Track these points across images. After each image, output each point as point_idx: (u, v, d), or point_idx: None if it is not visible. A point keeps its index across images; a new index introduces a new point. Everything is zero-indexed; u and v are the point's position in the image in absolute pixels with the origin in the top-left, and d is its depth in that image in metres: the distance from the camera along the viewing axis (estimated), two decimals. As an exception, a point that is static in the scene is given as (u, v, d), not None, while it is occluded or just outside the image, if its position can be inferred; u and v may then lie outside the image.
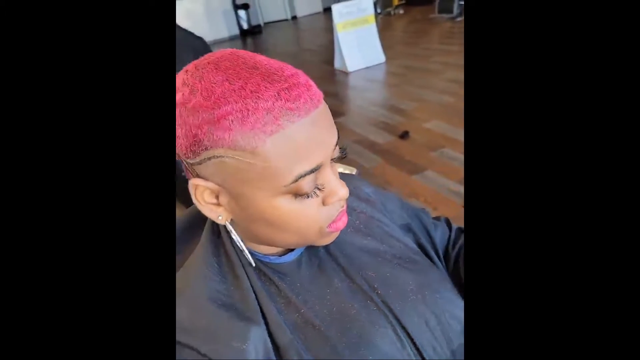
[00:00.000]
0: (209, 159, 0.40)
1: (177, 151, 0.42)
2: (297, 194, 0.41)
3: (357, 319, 0.46)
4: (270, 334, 0.44)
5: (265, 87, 0.38)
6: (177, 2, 8.61)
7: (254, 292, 0.46)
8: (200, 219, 0.55)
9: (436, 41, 5.93)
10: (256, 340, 0.43)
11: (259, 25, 10.15)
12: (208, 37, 3.20)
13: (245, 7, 9.67)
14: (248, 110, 0.37)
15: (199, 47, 3.12)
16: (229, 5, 9.46)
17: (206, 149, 0.39)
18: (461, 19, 6.61)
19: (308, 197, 0.42)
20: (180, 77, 0.41)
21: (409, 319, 0.47)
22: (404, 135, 3.10)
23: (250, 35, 9.71)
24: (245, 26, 9.72)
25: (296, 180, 0.40)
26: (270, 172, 0.39)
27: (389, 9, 8.62)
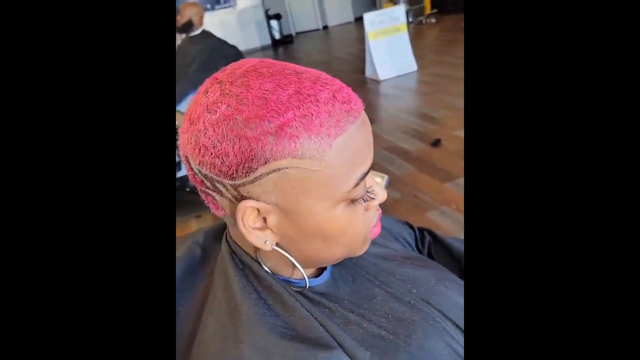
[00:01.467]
0: (268, 173, 0.36)
1: (215, 172, 0.37)
2: (353, 200, 0.40)
3: (414, 320, 0.45)
4: (349, 356, 0.41)
5: (320, 90, 0.36)
6: (211, 13, 8.86)
7: (314, 318, 0.42)
8: (195, 262, 0.50)
9: (469, 49, 5.84)
10: None
11: (290, 35, 10.29)
12: (240, 47, 3.26)
13: (278, 17, 9.84)
14: (311, 114, 0.35)
15: (232, 55, 3.20)
16: (261, 16, 9.64)
17: (266, 162, 0.35)
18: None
19: (359, 203, 0.41)
20: (214, 88, 0.37)
21: (448, 308, 0.48)
22: (436, 143, 3.06)
23: (282, 44, 9.84)
24: (277, 36, 9.88)
25: (357, 185, 0.39)
26: (334, 179, 0.37)
27: (420, 18, 8.58)
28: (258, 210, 0.39)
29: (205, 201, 0.42)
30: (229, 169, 0.36)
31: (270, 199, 0.38)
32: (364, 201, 0.41)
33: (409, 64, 5.06)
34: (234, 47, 3.05)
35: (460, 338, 0.46)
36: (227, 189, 0.38)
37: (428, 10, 8.71)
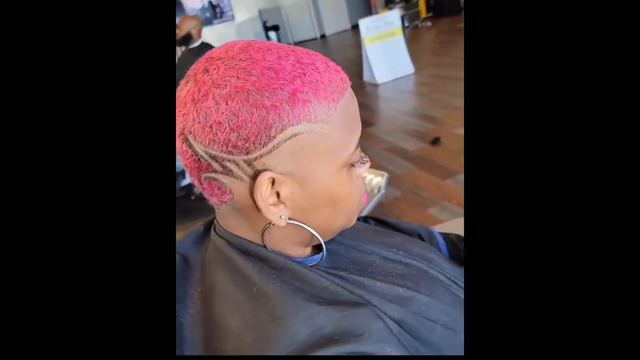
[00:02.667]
0: (285, 141, 0.37)
1: (228, 149, 0.37)
2: (352, 164, 0.42)
3: (414, 274, 0.50)
4: (380, 310, 0.42)
5: (315, 59, 0.38)
6: (209, 28, 9.00)
7: (336, 285, 0.43)
8: (179, 273, 0.47)
9: (465, 50, 5.91)
10: (380, 318, 0.41)
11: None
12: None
13: (276, 28, 9.97)
14: (316, 80, 0.37)
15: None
16: (259, 28, 9.79)
17: (283, 129, 0.36)
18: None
19: (356, 167, 0.43)
20: (215, 65, 0.37)
21: (431, 262, 0.53)
22: (435, 141, 3.10)
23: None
24: (275, 47, 10.02)
25: (356, 148, 0.41)
26: (339, 142, 0.39)
27: (416, 22, 8.66)
28: (272, 183, 0.39)
29: (206, 190, 0.41)
30: (246, 142, 0.36)
31: (285, 168, 0.38)
32: (361, 164, 0.43)
33: (406, 66, 5.12)
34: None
35: (452, 284, 0.51)
36: (239, 167, 0.38)
37: (423, 14, 8.80)
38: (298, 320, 0.37)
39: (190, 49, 2.94)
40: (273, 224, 0.42)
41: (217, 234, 0.46)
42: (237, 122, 0.35)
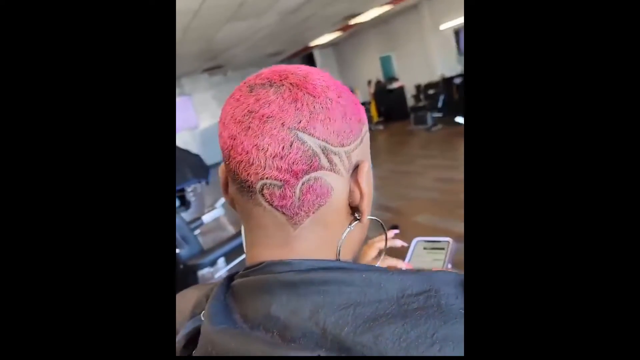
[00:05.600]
0: (365, 133, 0.41)
1: (337, 141, 0.38)
2: None
3: None
4: None
5: None
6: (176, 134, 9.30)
7: None
8: None
9: (416, 148, 6.39)
10: None
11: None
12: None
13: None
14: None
15: (196, 162, 3.38)
16: (222, 134, 10.23)
17: (364, 122, 0.41)
18: (436, 128, 7.19)
19: None
20: (287, 84, 0.38)
21: None
22: (393, 228, 3.20)
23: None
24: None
25: None
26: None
27: (369, 125, 9.36)
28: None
29: (304, 196, 0.38)
30: (350, 133, 0.39)
31: (360, 159, 0.40)
32: None
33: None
34: (196, 155, 3.26)
35: None
36: (341, 160, 0.38)
37: (375, 119, 9.58)
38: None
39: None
40: (353, 227, 0.41)
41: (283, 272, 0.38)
42: (347, 113, 0.38)
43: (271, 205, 0.38)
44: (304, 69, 0.40)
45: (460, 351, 0.30)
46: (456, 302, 0.34)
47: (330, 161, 0.38)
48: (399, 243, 0.73)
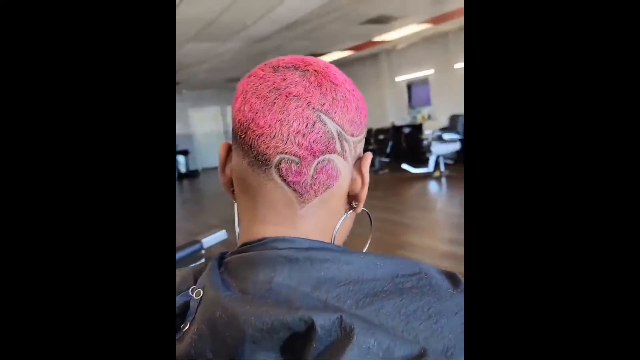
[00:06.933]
0: (365, 132, 0.44)
1: (350, 129, 0.41)
2: None
3: None
4: None
5: None
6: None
7: None
8: None
9: (362, 188, 6.56)
10: None
11: (196, 170, 10.65)
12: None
13: (185, 153, 10.25)
14: None
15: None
16: (169, 151, 9.95)
17: (366, 123, 0.44)
18: (382, 172, 7.47)
19: None
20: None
21: None
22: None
23: (187, 178, 10.12)
24: (183, 170, 10.19)
25: None
26: None
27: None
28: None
29: (317, 175, 0.40)
30: (360, 125, 0.42)
31: (360, 150, 0.44)
32: None
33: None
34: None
35: None
36: (350, 148, 0.42)
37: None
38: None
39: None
40: (348, 215, 0.45)
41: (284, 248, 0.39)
42: (359, 106, 0.42)
43: (284, 180, 0.40)
44: (322, 61, 0.43)
45: (452, 324, 0.34)
46: (443, 284, 0.38)
47: (342, 147, 0.40)
48: None
